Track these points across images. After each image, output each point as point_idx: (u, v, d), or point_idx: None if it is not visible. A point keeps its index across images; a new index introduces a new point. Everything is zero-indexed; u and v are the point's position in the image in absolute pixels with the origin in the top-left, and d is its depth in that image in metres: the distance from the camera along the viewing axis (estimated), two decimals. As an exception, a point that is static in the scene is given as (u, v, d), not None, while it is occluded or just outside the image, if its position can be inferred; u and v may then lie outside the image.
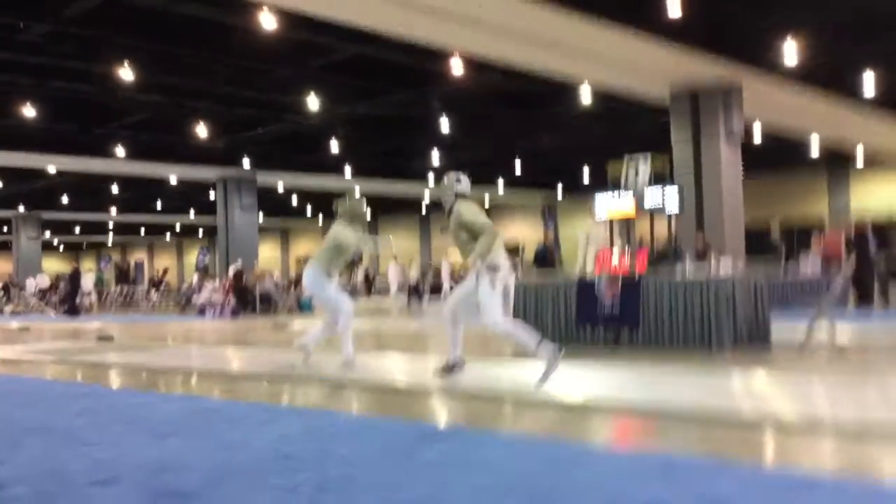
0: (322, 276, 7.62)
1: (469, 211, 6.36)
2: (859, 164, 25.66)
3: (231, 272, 21.80)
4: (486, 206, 38.49)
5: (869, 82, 16.08)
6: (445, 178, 6.69)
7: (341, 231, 7.69)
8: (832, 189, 29.28)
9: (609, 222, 10.68)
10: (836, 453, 3.88)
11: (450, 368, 6.53)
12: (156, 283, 31.16)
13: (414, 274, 28.90)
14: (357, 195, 8.31)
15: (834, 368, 6.67)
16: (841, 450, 3.90)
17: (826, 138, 22.13)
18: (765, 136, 20.44)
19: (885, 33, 14.02)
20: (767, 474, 3.32)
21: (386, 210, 41.63)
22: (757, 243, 16.73)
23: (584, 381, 6.24)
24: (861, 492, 3.06)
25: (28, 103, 17.55)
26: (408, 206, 39.79)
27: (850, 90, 16.72)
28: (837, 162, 27.05)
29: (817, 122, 18.99)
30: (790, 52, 13.73)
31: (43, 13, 12.95)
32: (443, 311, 6.66)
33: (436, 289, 29.03)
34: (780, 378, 5.93)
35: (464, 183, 6.61)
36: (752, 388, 5.56)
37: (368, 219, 7.80)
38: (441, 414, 5.37)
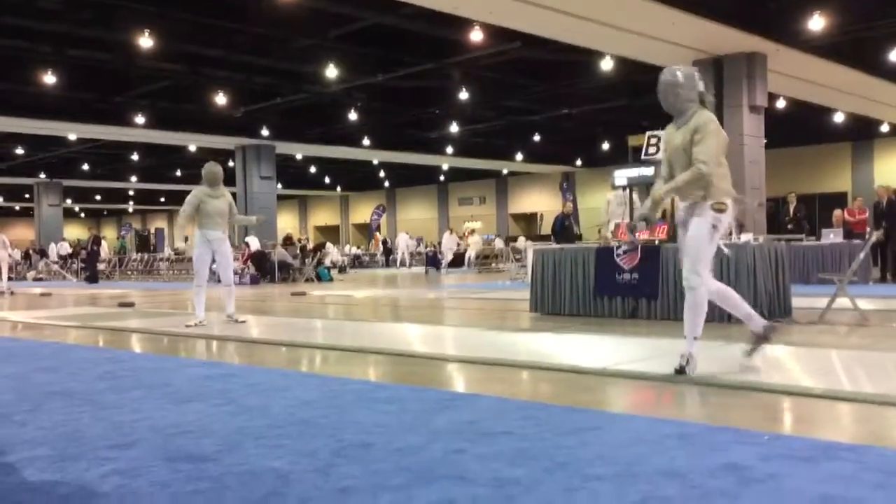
0: (195, 237, 8.62)
1: (710, 126, 4.76)
2: (884, 129, 25.31)
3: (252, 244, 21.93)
4: (505, 173, 38.45)
5: (895, 56, 15.84)
6: (679, 74, 4.87)
7: (193, 191, 8.66)
8: (856, 160, 28.95)
9: (629, 190, 10.60)
10: (856, 422, 3.86)
11: (761, 337, 5.08)
12: (177, 252, 31.40)
13: (447, 243, 28.95)
14: (211, 161, 8.85)
15: (855, 341, 6.62)
16: (861, 418, 3.88)
17: (850, 110, 21.82)
18: (789, 107, 20.18)
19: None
20: (786, 442, 3.30)
21: (404, 181, 41.63)
22: (779, 215, 16.57)
23: (601, 350, 6.23)
24: (881, 459, 3.03)
25: (48, 71, 17.63)
26: (426, 177, 39.73)
27: (875, 64, 16.46)
28: (862, 133, 26.70)
29: (842, 94, 18.70)
30: (816, 24, 13.52)
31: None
32: (707, 283, 4.94)
33: (457, 258, 29.11)
34: (800, 349, 5.89)
35: (703, 84, 4.98)
36: (772, 359, 5.52)
37: (223, 177, 8.85)
38: (458, 382, 5.38)
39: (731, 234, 8.90)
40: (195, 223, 8.64)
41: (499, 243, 31.11)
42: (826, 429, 3.74)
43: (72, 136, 25.21)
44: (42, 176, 34.02)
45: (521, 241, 23.16)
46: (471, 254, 28.52)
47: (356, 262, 34.07)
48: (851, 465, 2.95)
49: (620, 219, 10.82)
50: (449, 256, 28.54)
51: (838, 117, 23.13)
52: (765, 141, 15.45)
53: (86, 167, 33.30)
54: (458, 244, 30.05)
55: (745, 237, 8.76)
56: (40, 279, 27.64)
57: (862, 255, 8.36)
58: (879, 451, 3.18)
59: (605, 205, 12.09)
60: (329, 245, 26.98)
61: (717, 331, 7.11)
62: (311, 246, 24.68)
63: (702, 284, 4.87)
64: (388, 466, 3.06)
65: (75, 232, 48.57)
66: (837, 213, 15.97)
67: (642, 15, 12.36)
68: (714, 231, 4.82)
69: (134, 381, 5.30)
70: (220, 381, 5.21)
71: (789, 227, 15.27)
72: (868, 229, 14.06)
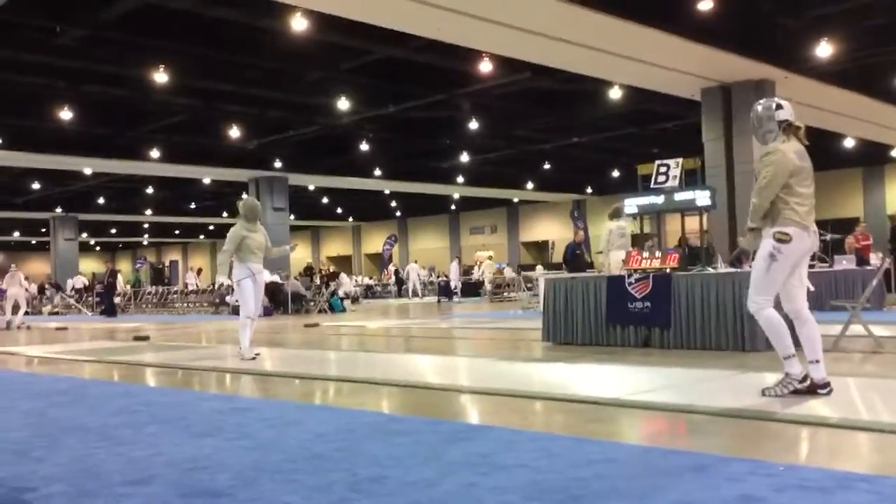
0: (235, 270, 8.60)
1: (771, 157, 4.90)
2: (894, 154, 25.27)
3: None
4: (516, 202, 38.50)
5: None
6: (759, 106, 5.12)
7: (233, 228, 8.74)
8: (867, 186, 28.87)
9: (640, 218, 10.62)
10: (872, 452, 3.83)
11: (806, 387, 4.95)
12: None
13: (454, 272, 29.04)
14: (247, 195, 9.17)
15: (871, 368, 6.58)
16: (878, 448, 3.85)
17: (861, 136, 21.83)
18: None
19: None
20: (802, 473, 3.29)
21: (415, 211, 41.77)
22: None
23: (615, 380, 6.22)
24: (897, 494, 3.02)
25: (65, 106, 17.89)
26: (437, 207, 39.84)
27: (884, 90, 16.49)
28: (873, 158, 26.66)
29: (852, 120, 18.72)
30: (824, 51, 13.59)
31: (79, 17, 13.20)
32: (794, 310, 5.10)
33: (468, 287, 29.12)
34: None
35: (786, 109, 5.04)
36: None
37: (260, 213, 9.34)
38: (472, 413, 5.38)
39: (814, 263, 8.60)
40: (235, 258, 8.71)
41: (509, 272, 31.11)
42: (842, 459, 3.72)
43: (87, 171, 25.50)
44: (58, 210, 34.35)
45: (539, 270, 22.74)
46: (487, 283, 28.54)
47: (368, 292, 34.10)
48: (867, 495, 2.94)
49: (624, 250, 10.82)
50: (454, 284, 28.66)
51: (849, 143, 23.12)
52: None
53: (101, 201, 33.61)
54: (467, 272, 30.15)
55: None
56: (56, 313, 27.81)
57: (875, 282, 8.33)
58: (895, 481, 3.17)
59: (605, 233, 12.07)
60: (342, 275, 27.01)
61: (732, 359, 7.08)
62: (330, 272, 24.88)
63: (761, 309, 4.97)
64: (401, 501, 3.07)
65: (91, 266, 48.91)
66: (850, 240, 15.92)
67: (650, 44, 12.46)
68: (772, 260, 4.88)
69: (149, 415, 5.32)
70: (234, 415, 5.23)
71: None
72: (879, 254, 13.99)
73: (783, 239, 4.84)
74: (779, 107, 5.04)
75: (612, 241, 11.66)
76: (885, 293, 13.30)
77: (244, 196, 9.01)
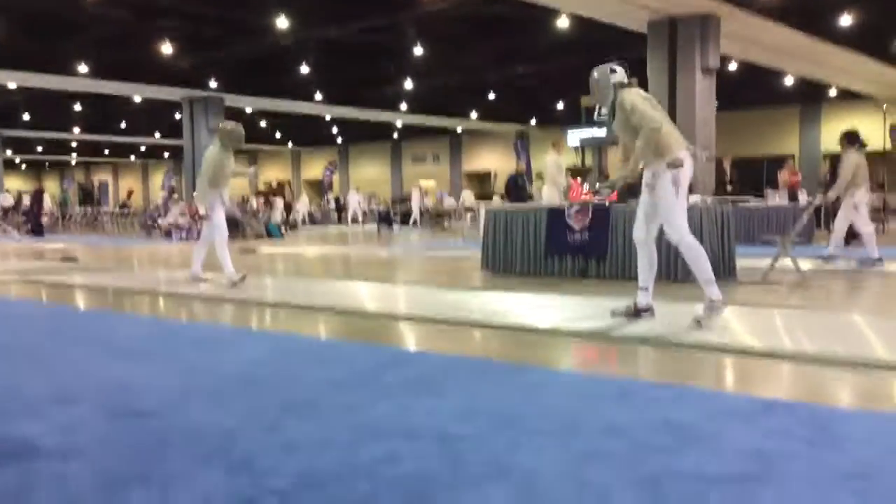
0: (204, 196, 8.40)
1: (630, 101, 5.22)
2: (832, 94, 25.80)
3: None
4: (459, 131, 38.27)
5: (844, 21, 16.14)
6: (595, 73, 5.49)
7: (208, 151, 8.45)
8: (804, 124, 29.48)
9: (581, 150, 10.66)
10: (794, 380, 3.98)
11: (636, 313, 5.45)
12: (122, 205, 30.88)
13: (416, 200, 28.86)
14: (231, 122, 8.75)
15: (796, 301, 6.79)
16: (799, 376, 4.00)
17: (800, 74, 22.15)
18: (739, 69, 20.40)
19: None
20: (726, 400, 3.39)
21: (357, 138, 41.17)
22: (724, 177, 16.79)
23: (549, 309, 6.30)
24: (816, 414, 3.14)
25: (-14, 16, 16.90)
26: (379, 134, 39.32)
27: (825, 29, 16.69)
28: (810, 97, 27.13)
29: (792, 58, 18.95)
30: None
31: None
32: (634, 237, 5.57)
33: (406, 216, 29.09)
34: (743, 309, 6.02)
35: (619, 72, 5.44)
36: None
37: (245, 143, 8.71)
38: (408, 339, 5.39)
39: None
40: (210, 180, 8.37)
41: (450, 201, 31.09)
42: (765, 386, 3.84)
43: (11, 85, 24.31)
44: (-20, 126, 32.85)
45: (496, 201, 21.46)
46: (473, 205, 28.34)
47: (308, 218, 33.72)
48: (787, 419, 3.05)
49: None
50: (417, 212, 28.57)
51: (788, 81, 23.45)
52: (716, 103, 15.58)
53: (26, 117, 32.19)
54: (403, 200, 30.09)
55: (694, 198, 8.87)
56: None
57: (805, 217, 8.55)
58: (813, 407, 3.29)
59: (552, 167, 12.17)
60: (277, 200, 26.55)
61: (664, 290, 7.23)
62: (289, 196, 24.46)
63: (683, 236, 5.22)
64: (334, 423, 3.07)
65: (16, 184, 47.13)
66: (783, 175, 16.27)
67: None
68: (676, 187, 5.18)
69: (77, 336, 5.20)
70: (166, 338, 5.14)
71: (728, 188, 15.32)
72: (808, 197, 14.32)
73: (677, 164, 5.12)
74: (612, 70, 5.42)
75: (552, 174, 11.78)
76: (815, 229, 13.70)
77: (228, 123, 8.61)
